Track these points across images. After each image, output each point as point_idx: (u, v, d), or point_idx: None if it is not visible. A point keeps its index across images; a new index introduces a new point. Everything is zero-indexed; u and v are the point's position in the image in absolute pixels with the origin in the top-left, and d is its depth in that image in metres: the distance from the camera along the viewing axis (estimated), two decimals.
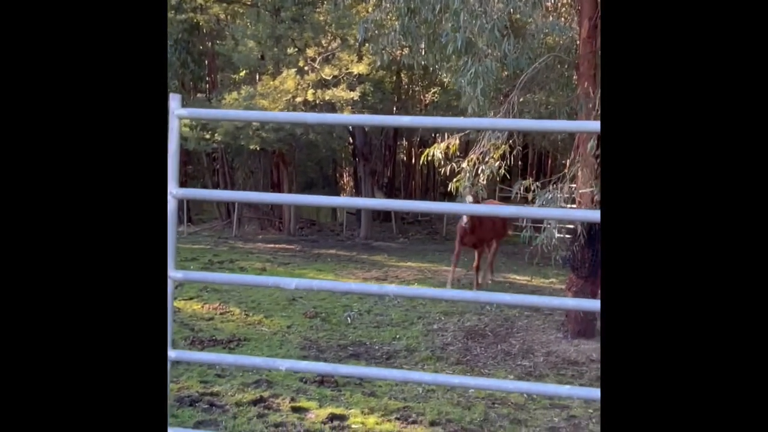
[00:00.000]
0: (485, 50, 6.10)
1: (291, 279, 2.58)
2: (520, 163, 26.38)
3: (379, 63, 8.07)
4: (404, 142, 30.65)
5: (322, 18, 15.22)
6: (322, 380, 5.84)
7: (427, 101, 23.29)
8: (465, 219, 7.76)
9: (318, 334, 7.81)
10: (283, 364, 2.78)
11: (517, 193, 6.57)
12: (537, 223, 7.17)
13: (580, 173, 6.50)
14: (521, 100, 13.94)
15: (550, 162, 24.76)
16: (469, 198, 7.67)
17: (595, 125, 2.13)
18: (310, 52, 14.98)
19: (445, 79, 11.74)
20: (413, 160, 26.73)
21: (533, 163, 26.86)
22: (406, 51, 16.08)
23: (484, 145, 7.12)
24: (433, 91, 24.23)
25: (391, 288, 2.69)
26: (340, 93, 14.17)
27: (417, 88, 23.78)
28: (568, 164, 6.92)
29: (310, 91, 14.27)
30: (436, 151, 7.44)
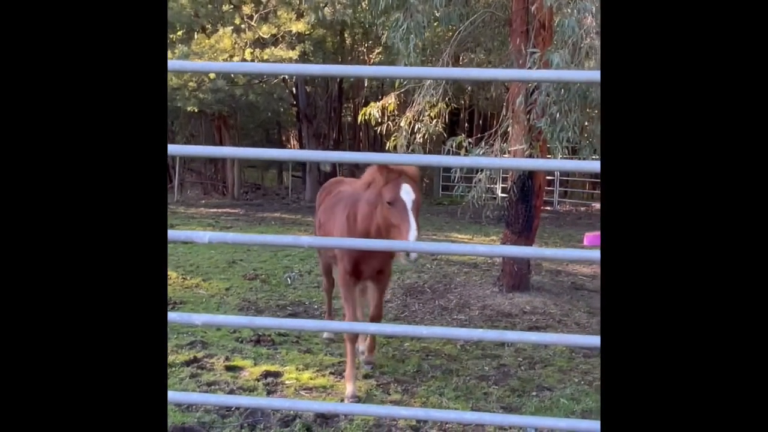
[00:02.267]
0: (416, 5, 6.05)
1: (204, 232, 2.54)
2: (466, 122, 26.55)
3: (314, 19, 7.86)
4: (350, 105, 30.34)
5: None
6: (259, 339, 5.85)
7: (371, 62, 23.03)
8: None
9: (257, 296, 7.79)
10: (199, 318, 2.75)
11: (449, 150, 6.62)
12: (468, 182, 7.24)
13: (511, 130, 6.59)
14: (464, 59, 13.99)
15: (484, 120, 24.96)
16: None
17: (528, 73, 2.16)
18: (246, 9, 14.51)
19: (383, 38, 11.64)
20: (359, 122, 26.55)
21: (470, 121, 27.03)
22: (349, 10, 15.85)
23: (419, 103, 7.11)
24: (377, 51, 23.96)
25: (306, 239, 2.68)
26: (279, 52, 13.85)
27: (361, 49, 23.46)
28: (500, 121, 7.00)
29: (248, 50, 13.89)
30: (374, 110, 7.40)
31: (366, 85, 22.07)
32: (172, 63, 2.24)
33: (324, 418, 4.19)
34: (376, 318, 4.98)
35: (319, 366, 5.31)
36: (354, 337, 4.85)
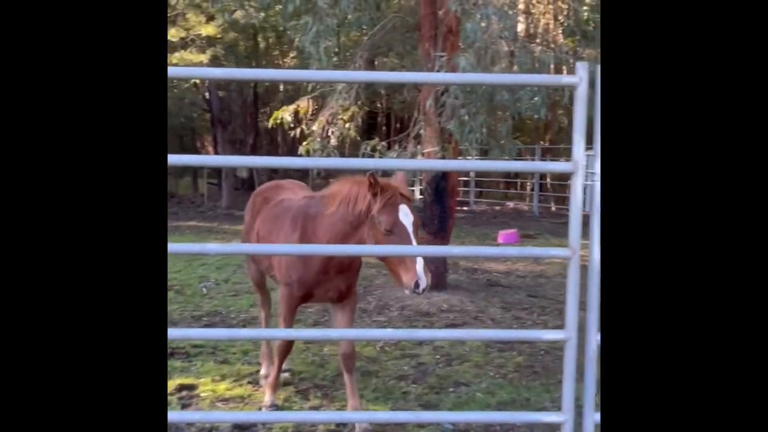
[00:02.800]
0: (326, 9, 6.05)
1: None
2: (384, 126, 26.78)
3: (223, 22, 7.70)
4: (267, 109, 29.89)
5: None
6: (172, 352, 5.66)
7: (286, 66, 22.81)
8: None
9: (171, 307, 7.52)
10: None
11: (363, 154, 6.66)
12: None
13: (423, 132, 6.72)
14: (378, 63, 14.07)
15: (401, 124, 25.31)
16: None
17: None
18: None
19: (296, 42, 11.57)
20: (271, 126, 26.21)
21: (387, 125, 27.31)
22: (261, 14, 15.64)
23: (333, 107, 7.12)
24: (291, 56, 23.77)
25: (212, 246, 2.62)
26: (189, 56, 13.47)
27: (275, 53, 23.20)
28: (412, 124, 7.13)
29: None
30: (285, 113, 7.34)
31: (282, 89, 21.85)
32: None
33: (241, 428, 4.10)
34: (351, 355, 4.20)
35: (236, 376, 5.20)
36: (286, 352, 4.36)
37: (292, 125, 7.49)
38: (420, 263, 3.23)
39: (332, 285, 4.07)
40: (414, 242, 3.38)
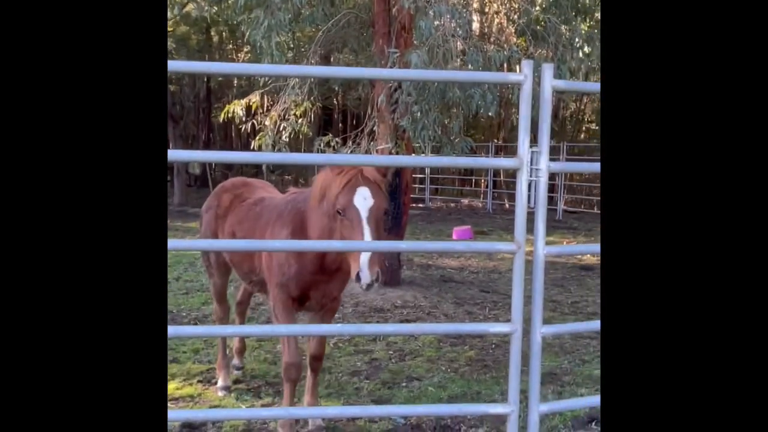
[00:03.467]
0: (278, 3, 5.99)
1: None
2: (340, 123, 26.68)
3: (175, 15, 7.53)
4: (220, 105, 29.40)
5: None
6: None
7: (240, 60, 22.47)
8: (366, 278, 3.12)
9: None
10: None
11: (318, 150, 6.63)
12: None
13: (377, 129, 6.74)
14: (333, 59, 14.01)
15: (357, 121, 25.27)
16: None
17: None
18: None
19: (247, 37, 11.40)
20: (222, 120, 25.80)
21: (344, 121, 27.24)
22: (214, 8, 15.36)
23: (285, 102, 7.06)
24: (245, 51, 23.47)
25: (186, 243, 2.57)
26: None
27: (229, 47, 22.85)
28: (365, 120, 7.13)
29: None
30: (237, 107, 7.24)
31: (235, 84, 21.54)
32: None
33: (191, 427, 4.04)
34: (319, 357, 4.09)
35: (186, 375, 5.12)
36: (296, 377, 3.81)
37: (243, 120, 7.39)
38: (365, 255, 2.98)
39: (328, 288, 3.79)
40: (365, 228, 3.08)
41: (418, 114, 5.85)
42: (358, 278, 3.05)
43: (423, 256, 10.93)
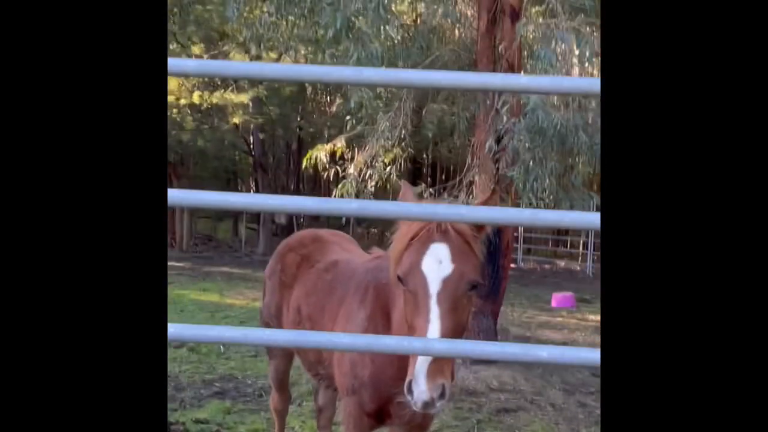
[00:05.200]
0: (368, 33, 5.24)
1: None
2: (428, 177, 25.94)
3: (255, 53, 7.03)
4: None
5: (207, 11, 13.67)
6: (170, 430, 4.72)
7: (330, 114, 22.38)
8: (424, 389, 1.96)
9: (182, 367, 6.63)
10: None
11: None
12: None
13: (477, 179, 5.77)
14: (425, 111, 13.33)
15: (446, 174, 24.23)
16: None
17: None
18: (196, 50, 13.69)
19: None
20: (307, 168, 25.71)
21: (432, 175, 26.34)
22: (309, 55, 15.23)
23: (373, 147, 6.26)
24: (338, 102, 23.52)
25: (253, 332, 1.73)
26: (230, 96, 13.00)
27: (321, 97, 22.90)
28: (464, 170, 6.18)
29: (197, 93, 13.01)
30: (320, 153, 6.52)
31: (326, 134, 21.37)
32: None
33: None
34: None
35: None
36: None
37: (327, 167, 6.66)
38: (425, 357, 1.89)
39: None
40: (431, 309, 2.00)
41: (531, 163, 4.84)
42: (409, 390, 1.96)
43: (521, 325, 9.69)
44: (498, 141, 5.40)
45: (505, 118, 5.17)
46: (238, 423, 5.14)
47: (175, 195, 1.62)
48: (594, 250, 19.22)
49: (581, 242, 21.42)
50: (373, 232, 25.82)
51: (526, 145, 4.87)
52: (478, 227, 2.20)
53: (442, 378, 1.93)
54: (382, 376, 2.57)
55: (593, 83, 1.65)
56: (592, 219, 1.66)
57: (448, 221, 2.02)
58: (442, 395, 1.93)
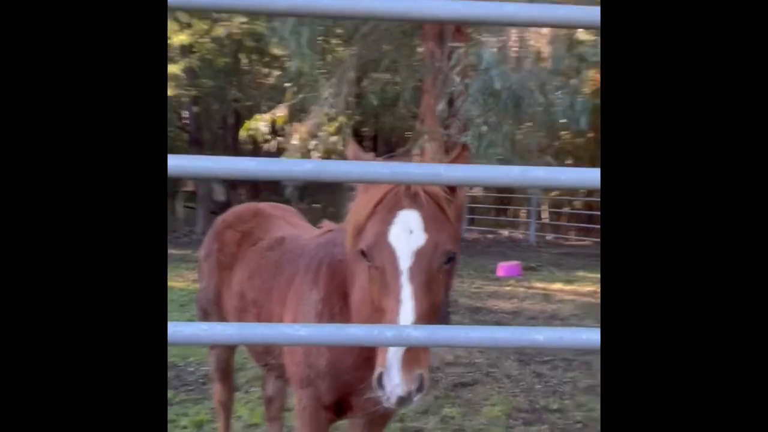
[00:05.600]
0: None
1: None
2: (373, 150, 25.48)
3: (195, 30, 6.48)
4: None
5: None
6: None
7: (268, 80, 21.65)
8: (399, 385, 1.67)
9: None
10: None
11: None
12: None
13: (427, 146, 5.49)
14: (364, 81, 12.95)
15: (389, 147, 23.82)
16: None
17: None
18: None
19: (274, 48, 10.36)
20: (260, 146, 24.89)
21: (374, 149, 25.85)
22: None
23: (317, 116, 5.88)
24: (277, 74, 22.80)
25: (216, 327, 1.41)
26: None
27: (257, 67, 22.07)
28: (413, 138, 5.88)
29: None
30: (259, 123, 6.09)
31: (264, 108, 20.67)
32: None
33: None
34: None
35: None
36: None
37: (268, 138, 6.23)
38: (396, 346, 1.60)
39: None
40: (402, 288, 1.70)
41: (485, 128, 4.58)
42: (380, 384, 1.66)
43: (470, 296, 9.59)
44: (450, 105, 5.11)
45: (457, 79, 4.89)
46: (180, 415, 4.79)
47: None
48: (537, 218, 19.45)
49: (523, 212, 21.63)
50: (315, 206, 25.31)
51: (479, 108, 4.60)
52: (452, 189, 1.90)
53: (418, 367, 1.65)
54: (341, 365, 2.28)
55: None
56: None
57: (421, 184, 1.70)
58: (420, 388, 1.65)
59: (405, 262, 1.74)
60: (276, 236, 3.01)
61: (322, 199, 25.56)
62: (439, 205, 1.84)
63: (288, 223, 3.25)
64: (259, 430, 4.51)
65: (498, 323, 7.96)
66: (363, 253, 1.84)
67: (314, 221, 3.60)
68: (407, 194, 1.81)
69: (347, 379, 2.27)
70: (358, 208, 1.94)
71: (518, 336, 1.40)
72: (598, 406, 5.26)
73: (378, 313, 1.80)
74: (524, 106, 4.49)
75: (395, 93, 8.57)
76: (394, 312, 1.69)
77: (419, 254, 1.75)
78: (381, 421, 2.72)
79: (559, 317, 8.48)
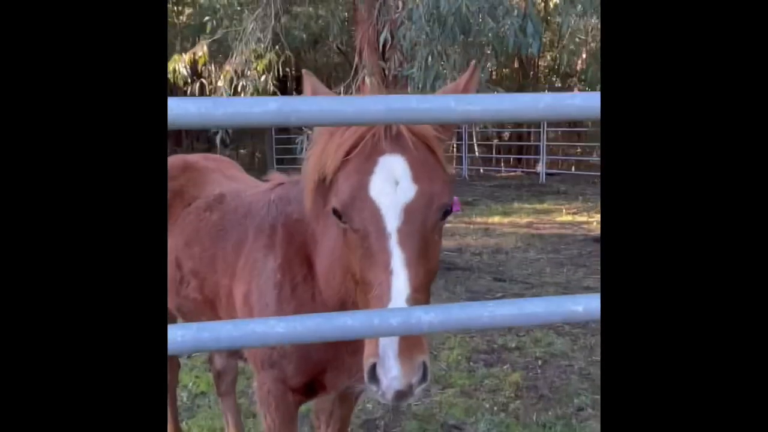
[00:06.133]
0: None
1: None
2: (294, 91, 24.54)
3: None
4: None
5: None
6: None
7: (182, 23, 20.26)
8: None
9: None
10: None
11: None
12: None
13: (367, 81, 5.07)
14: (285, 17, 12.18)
15: (325, 78, 22.95)
16: None
17: None
18: None
19: None
20: (180, 89, 23.43)
21: (295, 89, 24.79)
22: None
23: (242, 53, 5.31)
24: (188, 12, 21.35)
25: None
26: None
27: (169, 6, 20.54)
28: (352, 71, 5.44)
29: None
30: (178, 64, 5.46)
31: (178, 48, 19.30)
32: None
33: None
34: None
35: None
36: None
37: (189, 81, 5.63)
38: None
39: (354, 362, 1.92)
40: (392, 255, 1.37)
41: (429, 58, 4.21)
42: (373, 378, 1.35)
43: None
44: (391, 36, 4.69)
45: (399, 5, 4.46)
46: None
47: None
48: (468, 152, 19.45)
49: (454, 145, 21.53)
50: (242, 153, 24.23)
51: (423, 37, 4.21)
52: (444, 126, 1.55)
53: (420, 353, 1.33)
54: (307, 354, 1.95)
55: None
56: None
57: (426, 122, 1.32)
58: (422, 379, 1.35)
59: (392, 222, 1.39)
60: (214, 193, 2.55)
61: (248, 143, 24.52)
62: (430, 147, 1.48)
63: (226, 177, 2.79)
64: (207, 399, 4.19)
65: (443, 262, 7.84)
66: (336, 213, 1.49)
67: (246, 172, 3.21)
68: (388, 135, 1.46)
69: (319, 358, 1.95)
70: (322, 155, 1.57)
71: (554, 308, 1.12)
72: (556, 341, 5.26)
73: (362, 287, 1.46)
74: (472, 32, 4.14)
75: (320, 28, 8.03)
76: (384, 285, 1.35)
77: (409, 211, 1.40)
78: (350, 399, 2.45)
79: (504, 251, 8.45)
